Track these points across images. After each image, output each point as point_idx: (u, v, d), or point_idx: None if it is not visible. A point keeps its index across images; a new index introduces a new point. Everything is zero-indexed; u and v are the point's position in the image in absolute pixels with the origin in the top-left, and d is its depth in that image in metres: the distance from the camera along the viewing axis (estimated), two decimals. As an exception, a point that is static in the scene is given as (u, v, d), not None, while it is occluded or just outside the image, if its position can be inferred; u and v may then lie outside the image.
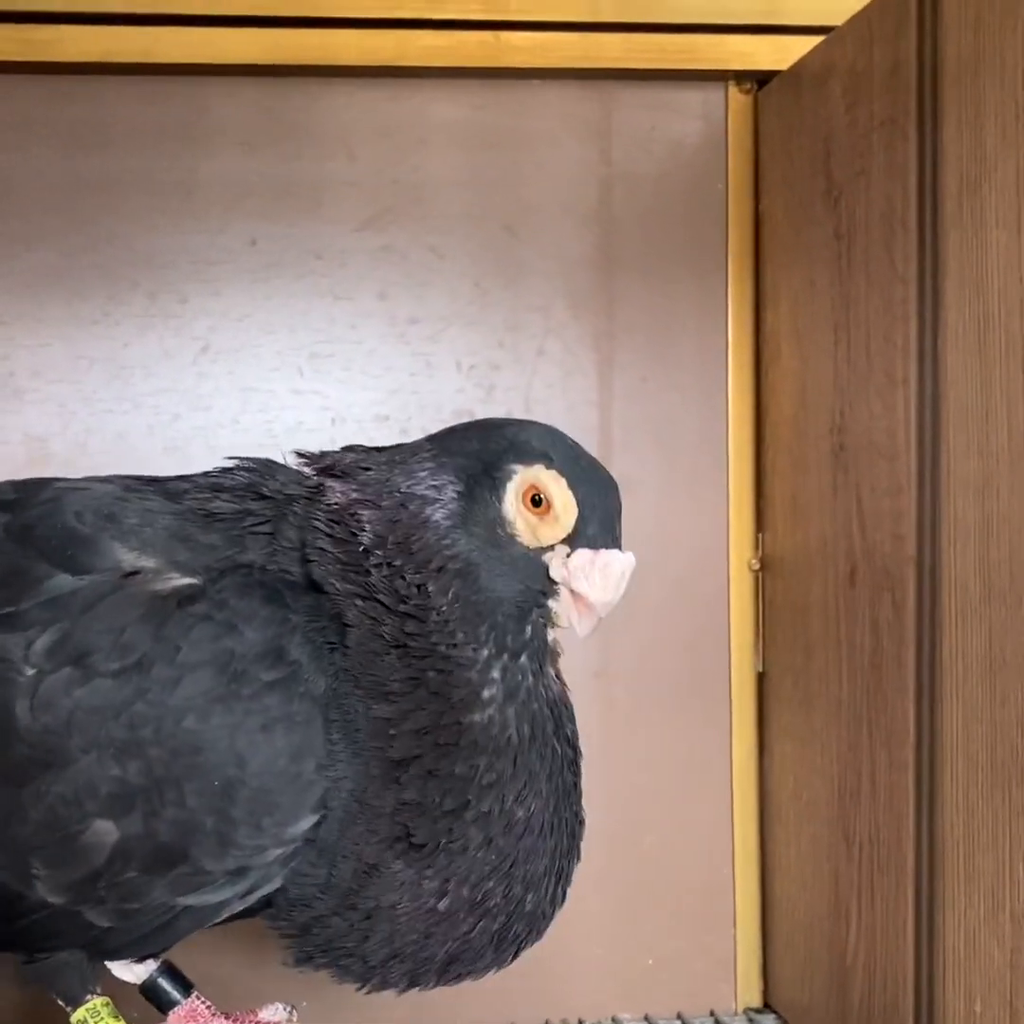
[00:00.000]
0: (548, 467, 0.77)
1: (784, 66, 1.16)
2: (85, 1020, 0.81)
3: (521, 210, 1.17)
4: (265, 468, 0.84)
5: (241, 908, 0.79)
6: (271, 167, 1.14)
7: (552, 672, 0.82)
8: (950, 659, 0.94)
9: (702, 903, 1.22)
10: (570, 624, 0.79)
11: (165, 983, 0.88)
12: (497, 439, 0.79)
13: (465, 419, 1.13)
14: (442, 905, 0.77)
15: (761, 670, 1.21)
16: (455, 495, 0.78)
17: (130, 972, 0.87)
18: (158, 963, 0.88)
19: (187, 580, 0.77)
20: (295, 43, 1.11)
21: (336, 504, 0.78)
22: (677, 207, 1.19)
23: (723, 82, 1.19)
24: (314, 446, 1.13)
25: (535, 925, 0.81)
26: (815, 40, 1.11)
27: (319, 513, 0.79)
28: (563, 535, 0.77)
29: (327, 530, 0.78)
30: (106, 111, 1.12)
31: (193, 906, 0.77)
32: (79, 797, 0.74)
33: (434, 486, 0.78)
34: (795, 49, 1.14)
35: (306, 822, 0.75)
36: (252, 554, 0.79)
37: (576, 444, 0.80)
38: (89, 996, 0.82)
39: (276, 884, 0.78)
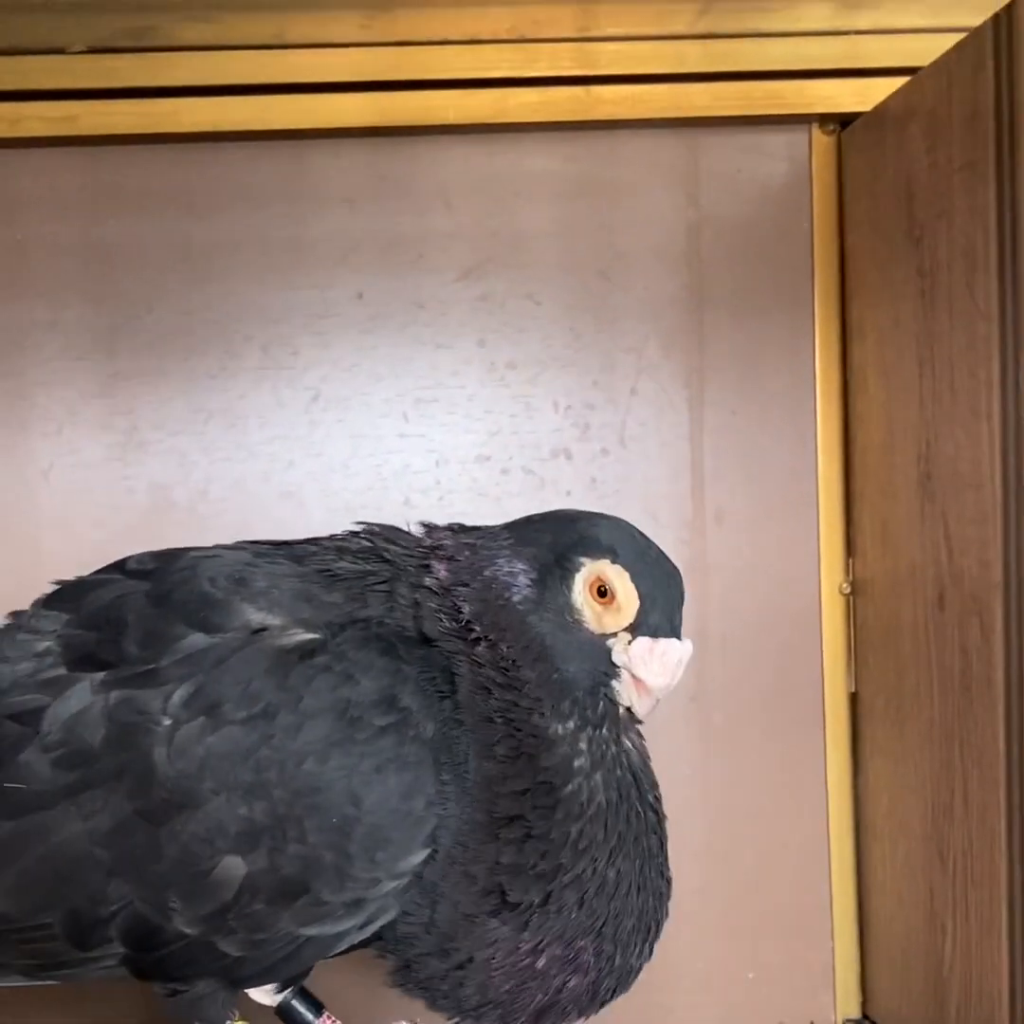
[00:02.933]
0: (613, 562, 0.88)
1: (866, 108, 1.28)
2: None
3: (613, 255, 1.31)
4: (388, 532, 0.96)
5: (359, 939, 0.89)
6: (375, 223, 1.29)
7: (630, 741, 0.93)
8: (1038, 680, 1.06)
9: (800, 918, 1.35)
10: (630, 703, 0.90)
11: (298, 1005, 1.00)
12: (568, 532, 0.90)
13: (562, 458, 1.29)
14: (538, 964, 0.88)
15: (853, 690, 1.34)
16: (529, 581, 0.89)
17: (267, 995, 1.00)
18: (292, 986, 1.01)
19: (309, 635, 0.87)
20: (397, 105, 1.25)
21: (438, 580, 0.90)
22: (764, 247, 1.32)
23: (807, 125, 1.32)
24: (420, 487, 1.30)
25: (624, 980, 0.93)
26: (895, 80, 1.23)
27: (428, 583, 0.91)
28: (626, 624, 0.88)
29: (435, 603, 0.90)
30: (219, 176, 1.28)
31: (316, 936, 0.87)
32: (210, 836, 0.84)
33: (510, 572, 0.89)
34: (876, 90, 1.26)
35: (417, 856, 0.85)
36: (370, 610, 0.90)
37: (643, 537, 0.92)
38: (228, 1019, 0.92)
39: (391, 916, 0.88)
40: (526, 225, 1.30)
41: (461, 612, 0.89)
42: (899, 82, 1.23)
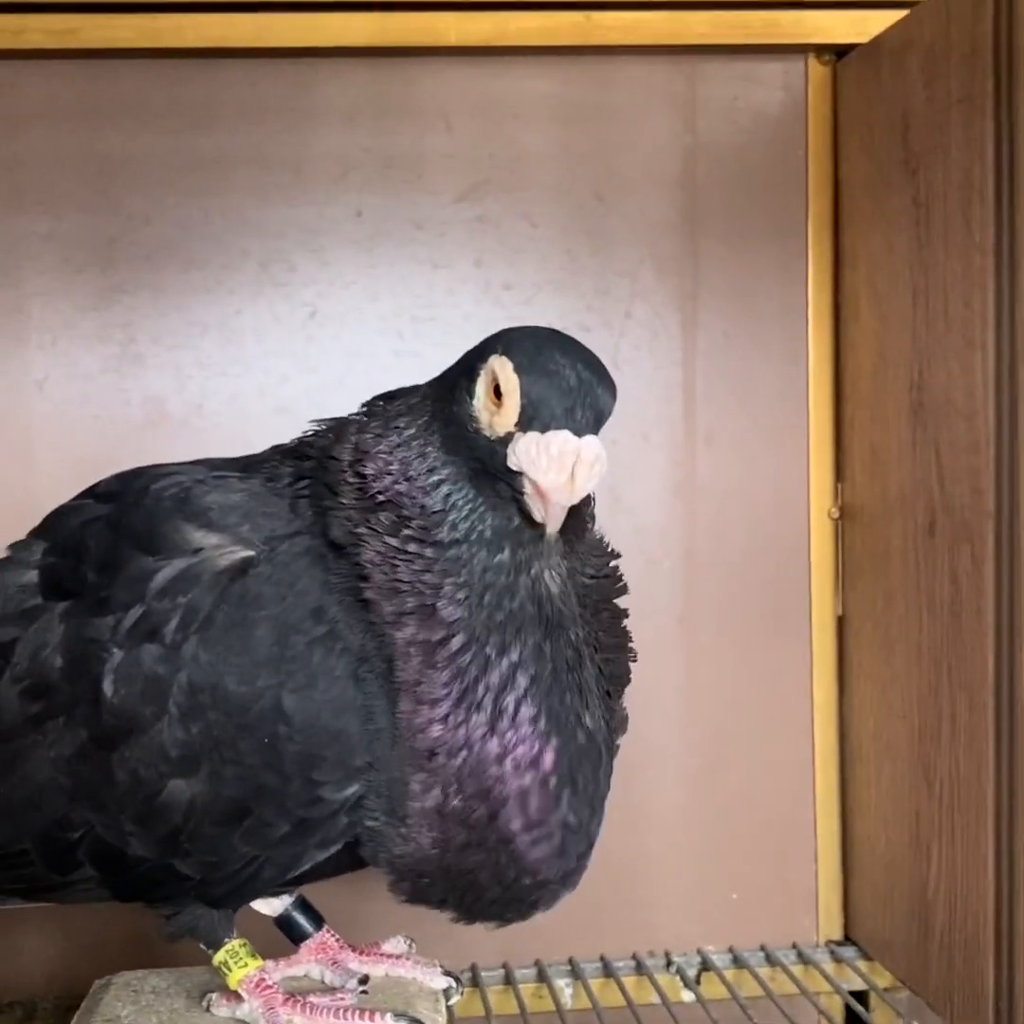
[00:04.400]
0: (501, 355, 0.83)
1: (862, 40, 1.34)
2: (225, 961, 0.94)
3: (610, 180, 1.36)
4: (325, 429, 0.96)
5: (323, 857, 0.89)
6: (375, 142, 1.34)
7: (550, 572, 0.87)
8: (1030, 608, 1.11)
9: (785, 840, 1.41)
10: (542, 518, 0.83)
11: (298, 917, 1.03)
12: (478, 346, 0.87)
13: (558, 379, 1.33)
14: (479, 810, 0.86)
15: (841, 614, 1.40)
16: (427, 412, 0.88)
17: (268, 905, 1.04)
18: (293, 898, 1.03)
19: (244, 553, 0.88)
20: (399, 26, 1.30)
21: (339, 459, 0.89)
22: (759, 174, 1.37)
23: (804, 55, 1.37)
24: (415, 406, 1.32)
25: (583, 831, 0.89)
26: (893, 13, 1.29)
27: (331, 473, 0.89)
28: (512, 421, 0.82)
29: (335, 490, 0.88)
30: (220, 93, 1.32)
31: (271, 857, 0.88)
32: (155, 760, 0.86)
33: (407, 412, 0.89)
34: (873, 23, 1.32)
35: (354, 774, 0.85)
36: (301, 521, 0.89)
37: (558, 335, 0.85)
38: (227, 939, 0.94)
39: (347, 834, 0.88)
40: (524, 148, 1.35)
41: (365, 479, 0.87)
42: (896, 15, 1.28)
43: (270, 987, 0.94)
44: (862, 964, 1.38)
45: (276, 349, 1.34)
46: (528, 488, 0.82)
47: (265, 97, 1.32)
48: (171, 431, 1.32)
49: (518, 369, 0.82)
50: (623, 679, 0.97)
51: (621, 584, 0.96)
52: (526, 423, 0.81)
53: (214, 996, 0.96)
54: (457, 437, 0.85)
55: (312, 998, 0.94)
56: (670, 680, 1.37)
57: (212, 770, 0.86)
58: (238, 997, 0.94)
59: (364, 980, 0.99)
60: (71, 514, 0.97)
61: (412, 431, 0.88)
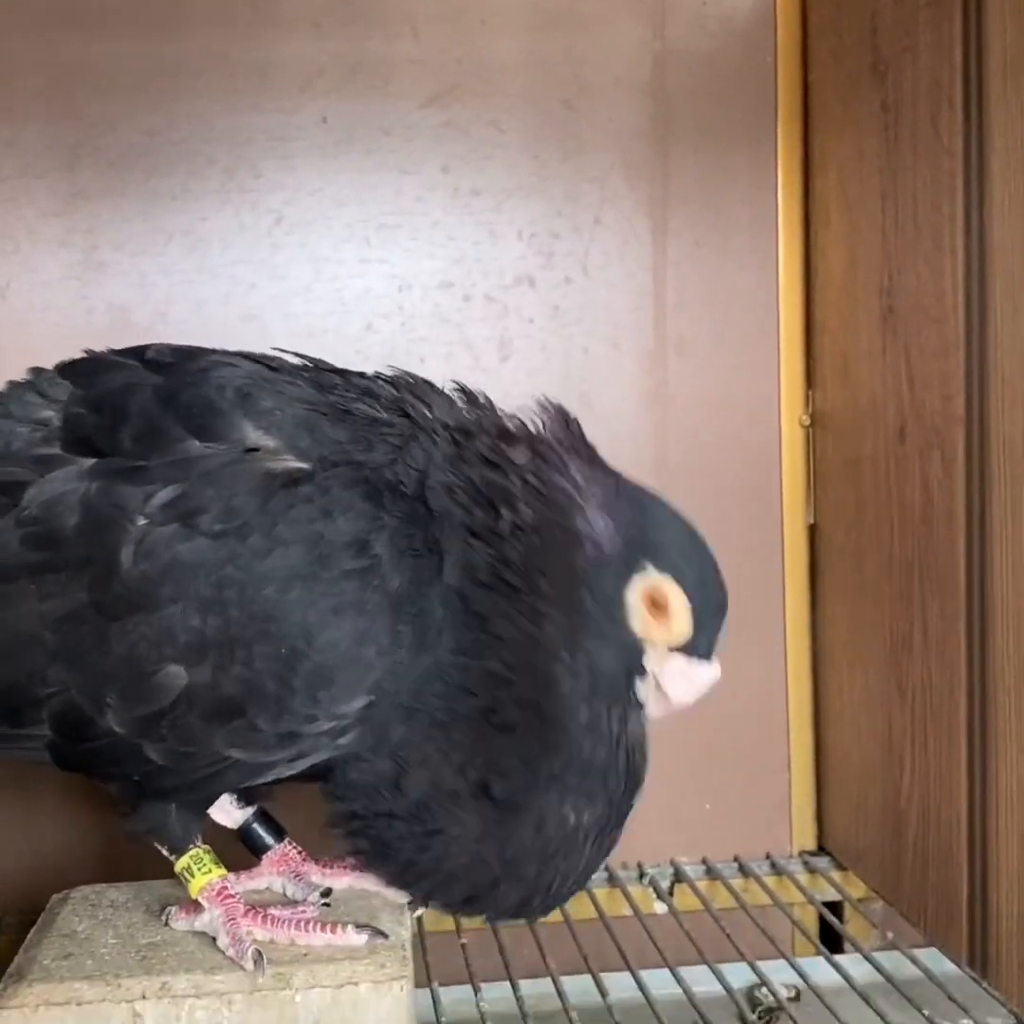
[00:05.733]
0: (676, 580, 0.89)
1: (830, -56, 1.35)
2: (188, 867, 0.94)
3: (579, 86, 1.38)
4: (420, 389, 0.97)
5: (289, 773, 0.92)
6: (342, 47, 1.35)
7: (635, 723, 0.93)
8: (1000, 514, 1.12)
9: (757, 751, 1.43)
10: (644, 703, 0.91)
11: (259, 828, 1.03)
12: (640, 525, 0.91)
13: (525, 285, 1.36)
14: (497, 855, 0.91)
15: (812, 522, 1.42)
16: (593, 547, 0.89)
17: (228, 816, 1.04)
18: (254, 809, 1.03)
19: (299, 464, 0.89)
20: (367, -71, 1.32)
21: (516, 466, 0.90)
22: (728, 80, 1.40)
23: (772, -42, 1.41)
24: (382, 312, 1.36)
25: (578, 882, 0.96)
26: (860, -82, 1.30)
27: (473, 460, 0.91)
28: (671, 644, 0.90)
29: (465, 483, 0.90)
30: (185, -5, 1.35)
31: (242, 761, 0.90)
32: (159, 641, 0.87)
33: (585, 523, 0.90)
34: (841, -73, 1.34)
35: (358, 702, 0.88)
36: (371, 455, 0.91)
37: (706, 554, 0.92)
38: (191, 846, 0.95)
39: (323, 755, 0.90)
40: (492, 54, 1.37)
41: (499, 509, 0.89)
42: (863, -81, 1.31)
43: (232, 896, 0.94)
44: (836, 874, 1.40)
45: (242, 256, 1.35)
46: (649, 682, 0.90)
47: (231, 2, 1.34)
48: (135, 339, 1.29)
49: (693, 604, 0.89)
50: None
51: None
52: (685, 648, 0.90)
53: (173, 909, 0.96)
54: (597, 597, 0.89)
55: (274, 910, 0.95)
56: (641, 590, 1.39)
57: (218, 665, 0.87)
58: (198, 907, 0.95)
59: (326, 893, 0.99)
60: (113, 370, 0.97)
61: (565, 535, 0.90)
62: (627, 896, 1.35)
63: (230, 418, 0.91)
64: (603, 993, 1.11)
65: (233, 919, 0.92)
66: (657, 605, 0.88)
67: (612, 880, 1.38)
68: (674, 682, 0.90)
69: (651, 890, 1.38)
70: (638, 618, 0.89)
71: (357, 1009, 0.85)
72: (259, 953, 0.88)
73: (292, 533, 0.87)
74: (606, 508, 0.90)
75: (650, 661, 0.90)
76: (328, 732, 0.89)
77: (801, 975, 1.17)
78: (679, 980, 1.14)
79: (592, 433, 1.34)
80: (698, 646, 0.89)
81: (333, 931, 0.93)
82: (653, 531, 0.91)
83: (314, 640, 0.86)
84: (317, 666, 0.86)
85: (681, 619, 0.89)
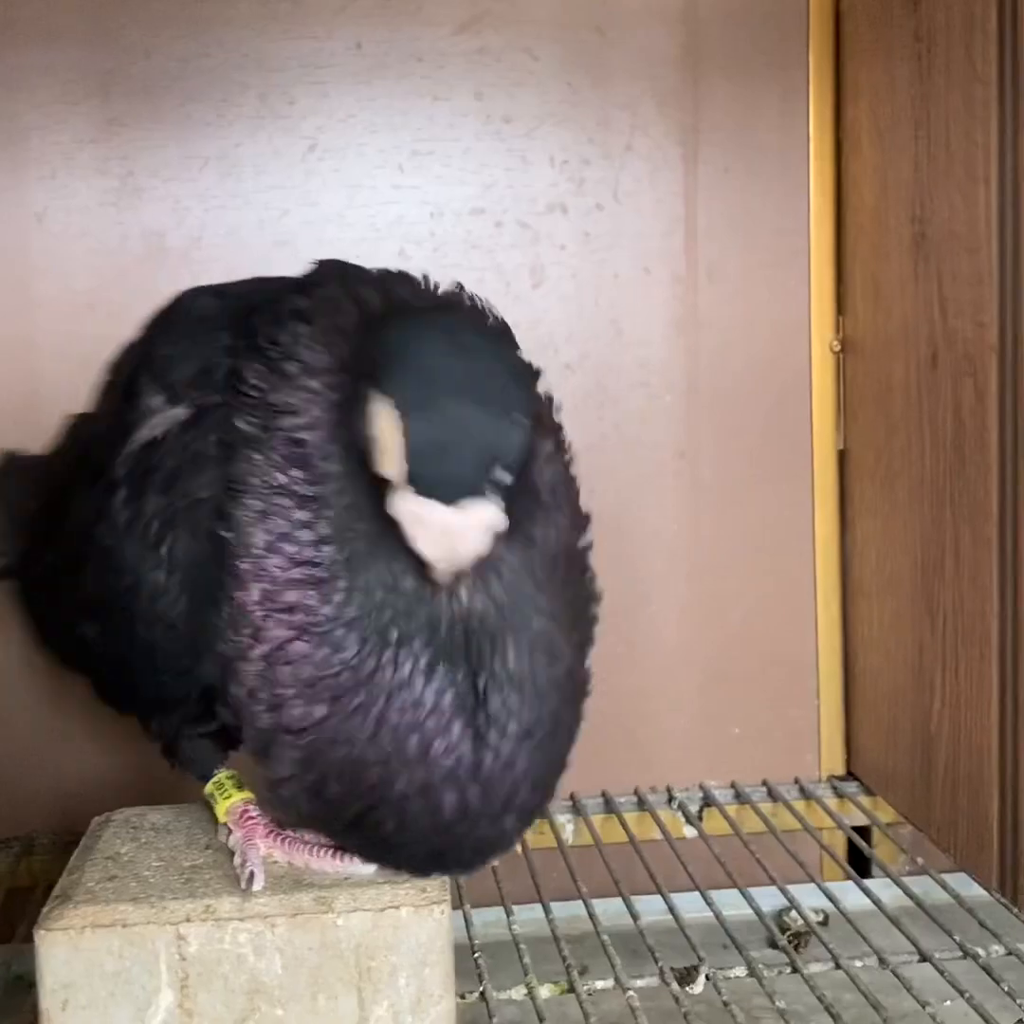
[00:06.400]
0: (395, 407, 0.76)
1: None
2: (212, 792, 0.96)
3: (610, 13, 1.38)
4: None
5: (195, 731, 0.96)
6: (375, -27, 1.37)
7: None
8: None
9: (786, 675, 1.45)
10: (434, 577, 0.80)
11: None
12: (378, 342, 0.80)
13: (557, 212, 1.37)
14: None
15: (842, 448, 1.43)
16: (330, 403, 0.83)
17: None
18: None
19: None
20: None
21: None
22: (760, 7, 1.39)
23: None
24: (414, 239, 1.39)
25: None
26: None
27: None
28: (398, 475, 0.76)
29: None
30: (219, -79, 1.35)
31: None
32: None
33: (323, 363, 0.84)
34: None
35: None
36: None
37: (458, 381, 0.76)
38: (216, 770, 0.97)
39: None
40: (524, -21, 1.39)
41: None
42: None
43: (253, 818, 0.95)
44: (864, 799, 1.42)
45: (275, 183, 1.36)
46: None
47: (265, -72, 1.35)
48: (170, 264, 1.34)
49: (410, 423, 0.75)
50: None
51: None
52: (409, 480, 0.76)
53: (221, 828, 0.98)
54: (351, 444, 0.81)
55: (293, 834, 0.94)
56: (671, 515, 1.41)
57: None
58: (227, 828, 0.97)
59: None
60: None
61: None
62: (657, 820, 1.37)
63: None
64: (634, 916, 1.13)
65: (251, 840, 0.94)
66: (384, 431, 0.76)
67: (641, 804, 1.40)
68: (410, 528, 0.76)
69: (680, 814, 1.40)
70: (376, 452, 0.77)
71: (398, 932, 0.86)
72: (252, 875, 0.89)
73: None
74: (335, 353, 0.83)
75: (390, 505, 0.77)
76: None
77: (830, 899, 1.19)
78: (709, 903, 1.16)
79: (623, 359, 1.38)
80: (426, 484, 0.75)
81: (342, 859, 0.93)
82: (386, 356, 0.78)
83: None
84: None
85: (394, 448, 0.75)
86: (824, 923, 1.24)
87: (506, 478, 0.76)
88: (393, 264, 1.38)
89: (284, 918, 0.85)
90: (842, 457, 1.43)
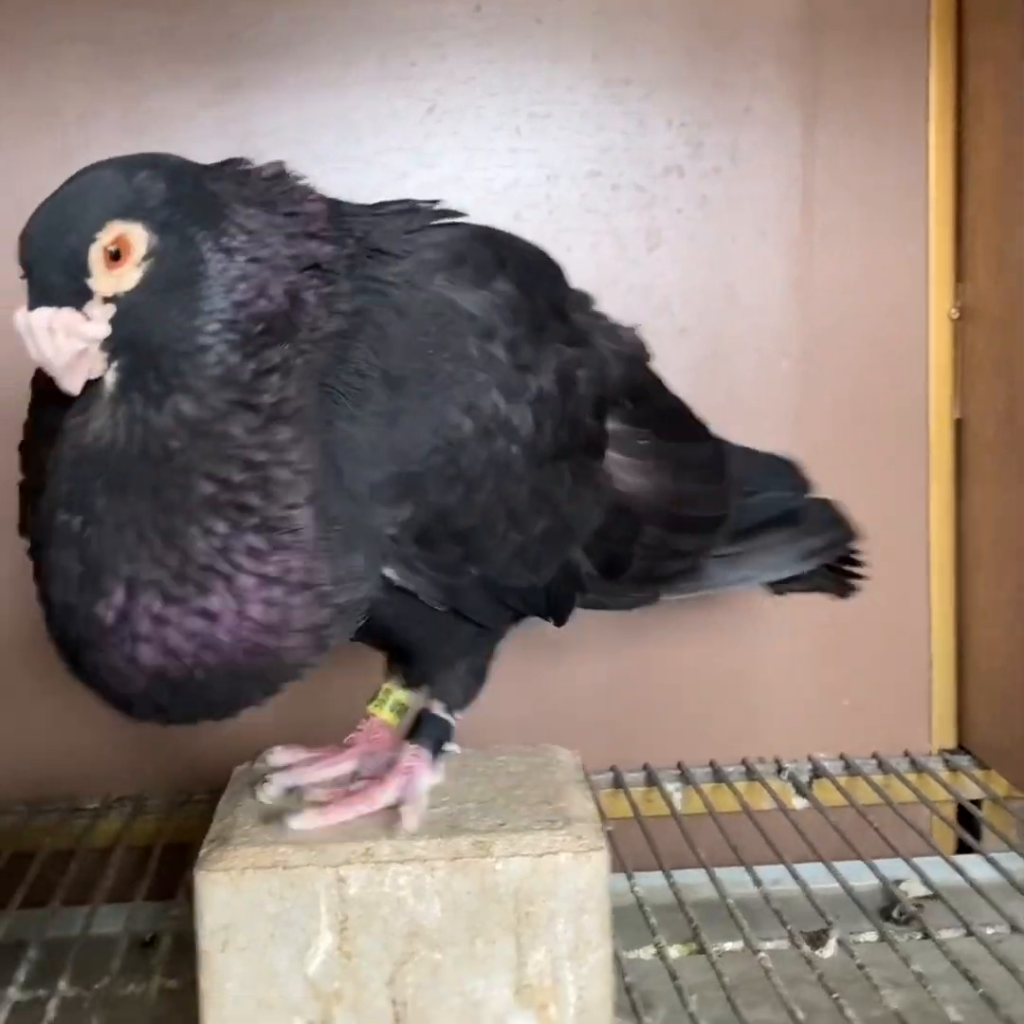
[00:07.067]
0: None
1: None
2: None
3: (731, -26, 1.39)
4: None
5: None
6: (495, -65, 1.36)
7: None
8: None
9: (898, 647, 1.44)
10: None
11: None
12: None
13: (674, 175, 1.37)
14: None
15: (959, 417, 1.43)
16: None
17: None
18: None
19: None
20: None
21: None
22: (882, -32, 1.40)
23: None
24: (530, 201, 1.39)
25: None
26: None
27: None
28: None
29: None
30: None
31: None
32: None
33: None
34: None
35: None
36: None
37: (68, 186, 0.79)
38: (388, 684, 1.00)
39: None
40: (645, -59, 1.38)
41: None
42: None
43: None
44: (977, 772, 1.41)
45: (394, 144, 1.36)
46: None
47: None
48: None
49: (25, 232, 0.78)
50: None
51: None
52: None
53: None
54: None
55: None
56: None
57: None
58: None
59: None
60: None
61: None
62: (768, 789, 1.36)
63: None
64: (757, 882, 1.13)
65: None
66: None
67: (750, 774, 1.40)
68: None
69: (790, 785, 1.39)
70: None
71: (557, 878, 0.87)
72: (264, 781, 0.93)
73: None
74: None
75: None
76: None
77: (953, 869, 1.18)
78: (833, 872, 1.16)
79: (737, 322, 1.38)
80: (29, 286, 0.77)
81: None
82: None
83: None
84: None
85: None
86: (935, 897, 1.24)
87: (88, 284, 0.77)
88: (509, 228, 1.40)
89: (443, 862, 0.86)
90: (959, 426, 1.42)
